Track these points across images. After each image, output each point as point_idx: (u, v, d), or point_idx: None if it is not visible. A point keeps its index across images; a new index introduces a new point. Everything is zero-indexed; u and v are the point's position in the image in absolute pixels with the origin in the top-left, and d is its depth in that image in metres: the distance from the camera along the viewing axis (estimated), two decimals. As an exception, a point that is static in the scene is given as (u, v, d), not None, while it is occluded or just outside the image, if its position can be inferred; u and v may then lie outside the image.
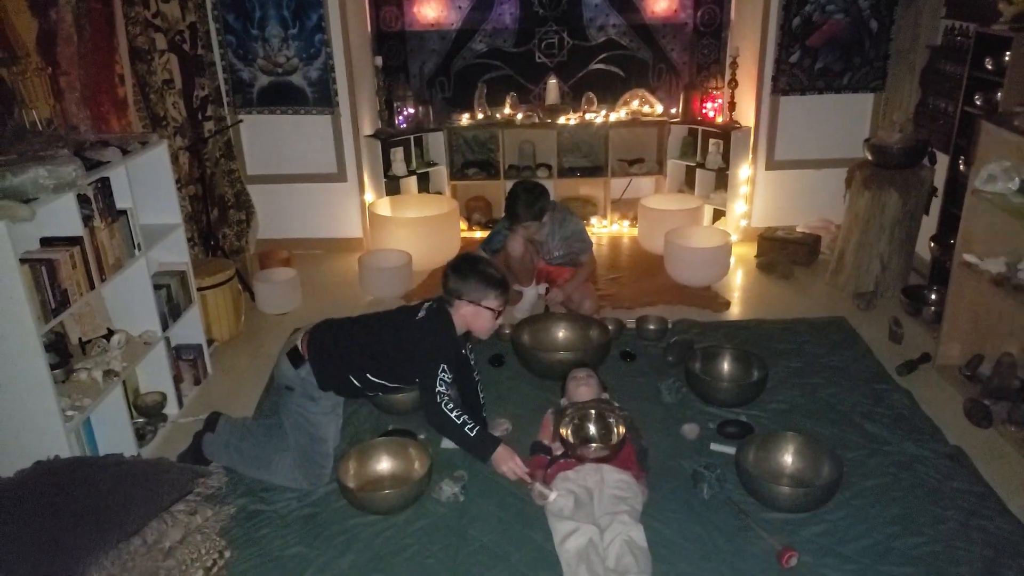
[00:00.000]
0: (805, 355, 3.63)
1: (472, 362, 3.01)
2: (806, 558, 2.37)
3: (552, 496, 2.49)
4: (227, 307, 3.83)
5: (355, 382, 2.70)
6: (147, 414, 3.15)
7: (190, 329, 3.44)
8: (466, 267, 2.75)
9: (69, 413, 2.55)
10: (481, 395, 3.04)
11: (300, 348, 2.69)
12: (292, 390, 2.70)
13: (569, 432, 2.67)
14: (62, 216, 2.55)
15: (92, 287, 2.65)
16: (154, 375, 3.22)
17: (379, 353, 2.70)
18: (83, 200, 2.62)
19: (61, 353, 2.76)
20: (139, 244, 2.96)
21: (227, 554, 2.38)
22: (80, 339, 2.96)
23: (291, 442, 2.71)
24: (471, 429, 2.64)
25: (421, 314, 2.75)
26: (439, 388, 2.62)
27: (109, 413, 2.86)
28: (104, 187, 2.73)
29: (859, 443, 2.96)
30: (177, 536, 2.14)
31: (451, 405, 2.64)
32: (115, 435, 2.90)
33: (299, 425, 2.69)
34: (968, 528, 2.50)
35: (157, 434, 3.10)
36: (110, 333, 3.01)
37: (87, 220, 2.62)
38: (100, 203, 2.70)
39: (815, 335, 3.83)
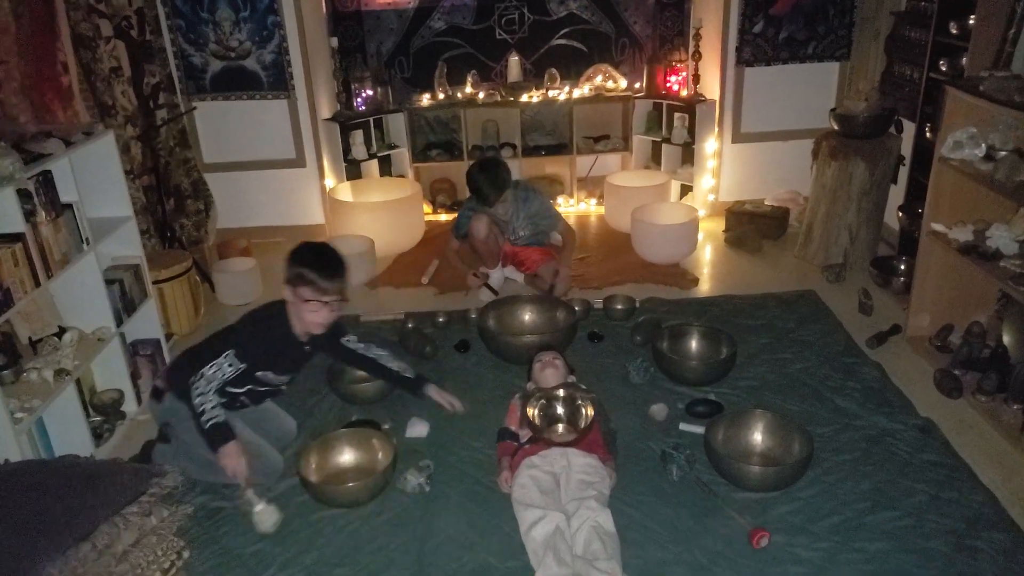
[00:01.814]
0: (774, 330, 3.61)
1: (358, 347, 2.86)
2: (778, 538, 2.35)
3: (259, 506, 2.43)
4: (185, 299, 3.73)
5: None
6: (104, 412, 3.05)
7: (147, 323, 3.34)
8: (293, 252, 2.51)
9: (18, 415, 2.46)
10: (394, 366, 2.89)
11: (159, 385, 2.66)
12: (169, 425, 2.62)
13: (536, 413, 2.62)
14: (2, 212, 2.44)
15: (38, 284, 2.55)
16: (110, 372, 3.12)
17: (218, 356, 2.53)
18: (24, 195, 2.50)
19: (9, 353, 2.65)
20: (87, 238, 2.85)
21: (185, 554, 2.32)
22: (30, 338, 2.86)
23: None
24: (208, 420, 2.43)
25: (260, 305, 2.69)
26: (206, 369, 2.43)
27: (63, 413, 2.77)
28: (46, 180, 2.62)
29: (830, 418, 2.94)
30: (131, 539, 2.07)
31: (201, 389, 2.43)
32: (70, 435, 2.80)
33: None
34: (939, 501, 2.48)
35: (115, 432, 3.01)
36: (62, 331, 2.91)
37: (29, 215, 2.51)
38: (42, 197, 2.59)
39: (784, 309, 3.81)
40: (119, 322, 3.07)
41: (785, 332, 3.59)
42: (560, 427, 2.64)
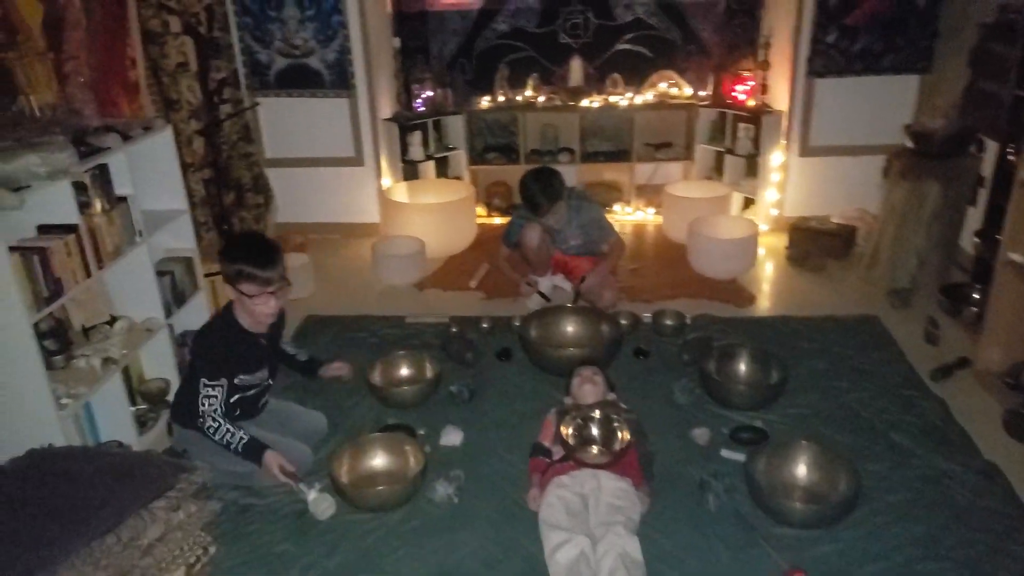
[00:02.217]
0: (831, 356, 3.45)
1: (290, 351, 3.03)
2: (815, 580, 2.24)
3: (312, 495, 2.51)
4: (237, 293, 3.78)
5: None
6: (150, 400, 3.12)
7: (197, 315, 3.40)
8: (225, 250, 2.56)
9: (64, 401, 2.52)
10: (303, 357, 3.03)
11: (170, 419, 2.77)
12: (187, 452, 2.65)
13: (570, 433, 2.56)
14: (58, 204, 2.51)
15: (89, 275, 2.61)
16: (158, 361, 3.19)
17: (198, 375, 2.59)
18: (80, 187, 2.57)
19: (61, 340, 2.73)
20: (140, 231, 2.91)
21: (212, 550, 2.33)
22: (83, 325, 2.94)
23: (243, 466, 2.61)
24: (237, 446, 2.53)
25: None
26: (202, 407, 2.51)
27: (109, 400, 2.84)
28: (102, 174, 2.68)
29: (883, 454, 2.78)
30: (156, 533, 2.09)
31: (210, 424, 2.52)
32: (116, 422, 2.88)
33: (231, 455, 2.60)
34: (997, 553, 2.31)
35: (160, 420, 3.07)
36: (113, 319, 2.98)
37: (83, 207, 2.58)
38: (98, 190, 2.66)
39: (844, 334, 3.64)
40: (168, 313, 3.14)
41: (843, 359, 3.43)
42: (594, 448, 2.57)
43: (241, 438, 2.53)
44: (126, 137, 2.83)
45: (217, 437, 2.52)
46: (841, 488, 2.49)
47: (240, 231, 2.44)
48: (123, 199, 2.82)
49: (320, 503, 2.52)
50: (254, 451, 2.54)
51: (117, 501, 2.03)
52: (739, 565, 2.30)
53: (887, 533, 2.41)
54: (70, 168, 2.42)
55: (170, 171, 3.17)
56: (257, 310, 2.54)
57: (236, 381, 2.61)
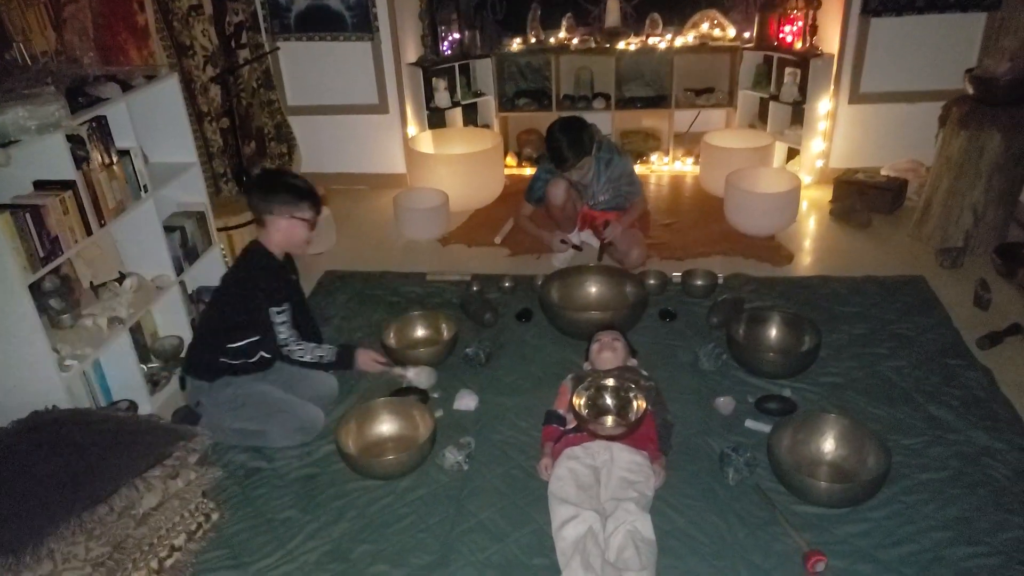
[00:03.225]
0: (871, 320, 3.25)
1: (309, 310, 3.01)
2: (837, 562, 2.10)
3: (411, 373, 2.83)
4: (255, 247, 3.71)
5: (231, 362, 2.67)
6: (164, 358, 3.10)
7: (211, 270, 3.34)
8: (270, 181, 2.69)
9: (68, 363, 2.49)
10: (315, 347, 2.88)
11: (181, 373, 2.79)
12: (200, 403, 2.68)
13: (583, 403, 2.44)
14: (53, 159, 2.43)
15: (90, 232, 2.55)
16: (172, 319, 3.15)
17: (222, 319, 2.69)
18: (78, 140, 2.49)
19: (67, 298, 2.69)
20: (145, 185, 2.83)
21: (214, 516, 2.31)
22: (91, 282, 2.90)
23: (255, 424, 2.62)
24: (326, 361, 2.73)
25: (229, 269, 2.78)
26: (280, 337, 2.64)
27: (118, 359, 2.81)
28: (101, 126, 2.59)
29: (919, 428, 2.61)
30: (152, 502, 2.06)
31: (295, 348, 2.67)
32: (127, 381, 2.85)
33: (244, 411, 2.62)
34: (1036, 540, 2.15)
35: (172, 379, 3.04)
36: (123, 277, 2.94)
37: (81, 162, 2.50)
38: (96, 143, 2.57)
39: (886, 296, 3.42)
40: (179, 270, 3.08)
41: (883, 323, 3.22)
42: (608, 419, 2.45)
43: (330, 348, 2.75)
44: (126, 87, 2.72)
45: (308, 358, 2.69)
46: (870, 465, 2.34)
47: (264, 169, 2.57)
48: (126, 152, 2.73)
49: (421, 376, 2.84)
50: (343, 357, 2.75)
51: (111, 469, 1.99)
52: (756, 545, 2.18)
53: (917, 514, 2.27)
54: (62, 121, 2.33)
55: (178, 122, 3.07)
56: (300, 236, 2.66)
57: (277, 319, 2.64)
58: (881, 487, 2.29)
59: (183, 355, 3.00)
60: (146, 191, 2.84)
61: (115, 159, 2.66)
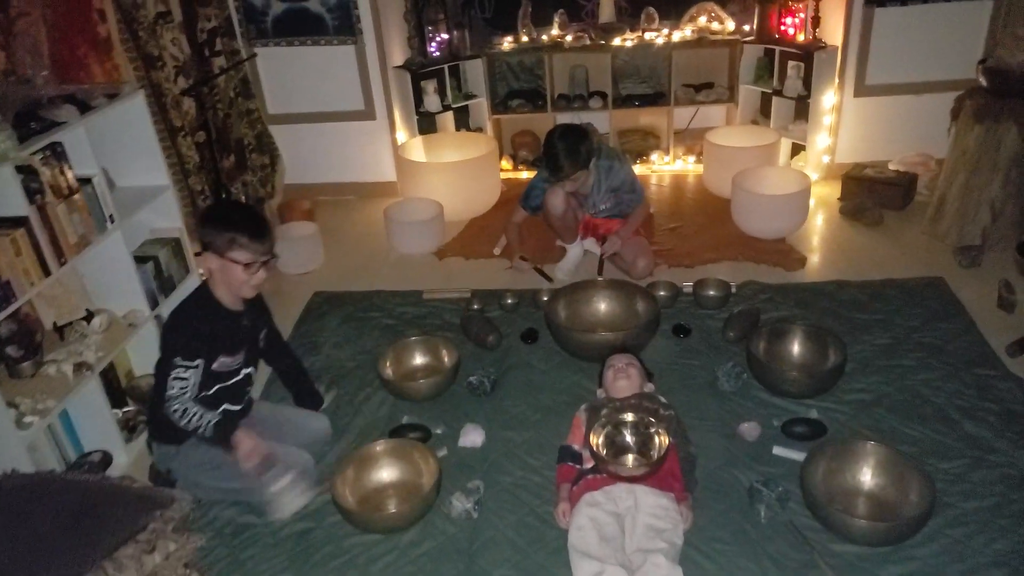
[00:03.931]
0: (894, 328, 3.07)
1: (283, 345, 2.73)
2: (884, 610, 1.93)
3: (277, 486, 2.25)
4: (237, 270, 3.48)
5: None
6: (141, 400, 2.86)
7: (191, 301, 3.11)
8: (212, 212, 2.35)
9: (27, 420, 2.25)
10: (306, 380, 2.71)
11: (148, 437, 2.48)
12: (171, 471, 2.41)
13: (600, 442, 2.24)
14: (1, 194, 2.19)
15: (48, 273, 2.31)
16: (147, 357, 2.89)
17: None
18: (30, 171, 2.25)
19: (27, 344, 2.45)
20: (111, 216, 2.60)
21: (200, 585, 2.09)
22: (55, 323, 2.66)
23: (238, 482, 2.33)
24: (206, 430, 2.22)
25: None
26: (169, 392, 2.20)
27: (87, 408, 2.58)
28: (56, 154, 2.35)
29: (958, 449, 2.44)
30: (127, 583, 1.84)
31: (179, 410, 2.20)
32: (98, 429, 2.62)
33: (223, 472, 2.32)
34: (1099, 578, 1.98)
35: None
36: (90, 315, 2.70)
37: (34, 195, 2.25)
38: (52, 173, 2.33)
39: (907, 301, 3.24)
40: (154, 303, 2.85)
41: (907, 332, 3.05)
42: (629, 458, 2.24)
43: (210, 420, 2.22)
44: (85, 108, 2.48)
45: (184, 422, 2.20)
46: (912, 499, 2.16)
47: (224, 199, 2.19)
48: (87, 180, 2.49)
49: (284, 498, 2.27)
50: (224, 430, 2.23)
51: (74, 551, 1.76)
52: (794, 593, 2.00)
53: (966, 549, 2.09)
54: (9, 152, 2.09)
55: (146, 143, 2.84)
56: (244, 279, 2.28)
57: (215, 366, 2.32)
58: (925, 525, 2.11)
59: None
60: (112, 221, 2.60)
61: (75, 188, 2.42)
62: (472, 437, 2.61)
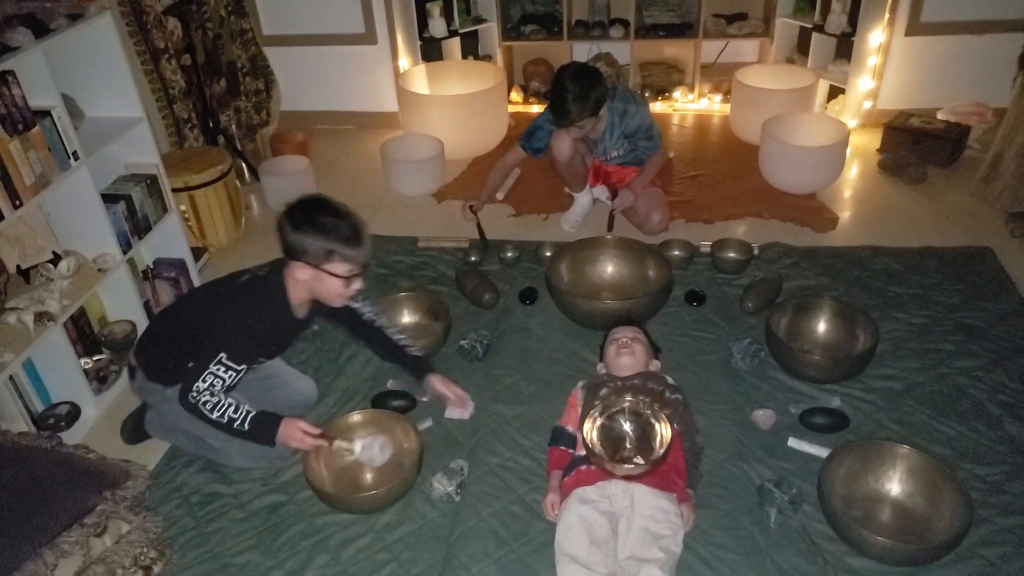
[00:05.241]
0: (932, 305, 2.80)
1: (367, 312, 2.38)
2: (904, 641, 1.74)
3: (358, 448, 2.12)
4: (223, 208, 3.24)
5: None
6: (114, 347, 2.68)
7: (169, 241, 2.90)
8: (301, 216, 1.98)
9: (-20, 377, 2.09)
10: (410, 347, 2.39)
11: (131, 361, 2.24)
12: (148, 404, 2.24)
13: (595, 435, 2.03)
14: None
15: (0, 218, 2.09)
16: (122, 301, 2.72)
17: (190, 338, 2.12)
18: (-25, 104, 2.01)
19: (-15, 289, 2.26)
20: (74, 152, 2.35)
21: (157, 568, 1.94)
22: (19, 266, 2.45)
23: (213, 439, 2.18)
24: (242, 423, 2.02)
25: (244, 278, 2.11)
26: (199, 383, 1.97)
27: (53, 359, 2.41)
28: (8, 83, 2.09)
29: (997, 453, 2.20)
30: (70, 572, 1.68)
31: (210, 402, 1.99)
32: (66, 380, 2.46)
33: (202, 423, 2.09)
34: None
35: (123, 375, 2.63)
36: (57, 258, 2.49)
37: (-17, 131, 2.02)
38: (3, 105, 2.08)
39: (948, 275, 2.95)
40: (127, 246, 2.62)
41: (947, 310, 2.77)
42: (629, 458, 2.03)
43: (247, 412, 2.03)
44: (42, 30, 2.21)
45: (215, 415, 2.00)
46: (946, 516, 1.93)
47: (306, 195, 1.85)
48: (46, 112, 2.24)
49: (369, 454, 2.13)
50: (266, 427, 2.04)
51: (10, 538, 1.60)
52: (803, 613, 1.81)
53: (1002, 571, 1.88)
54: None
55: (117, 71, 2.55)
56: (331, 292, 2.06)
57: (216, 368, 2.05)
58: (958, 546, 1.89)
59: (132, 356, 2.56)
60: (76, 158, 2.36)
61: (31, 123, 2.16)
62: (460, 409, 2.41)
